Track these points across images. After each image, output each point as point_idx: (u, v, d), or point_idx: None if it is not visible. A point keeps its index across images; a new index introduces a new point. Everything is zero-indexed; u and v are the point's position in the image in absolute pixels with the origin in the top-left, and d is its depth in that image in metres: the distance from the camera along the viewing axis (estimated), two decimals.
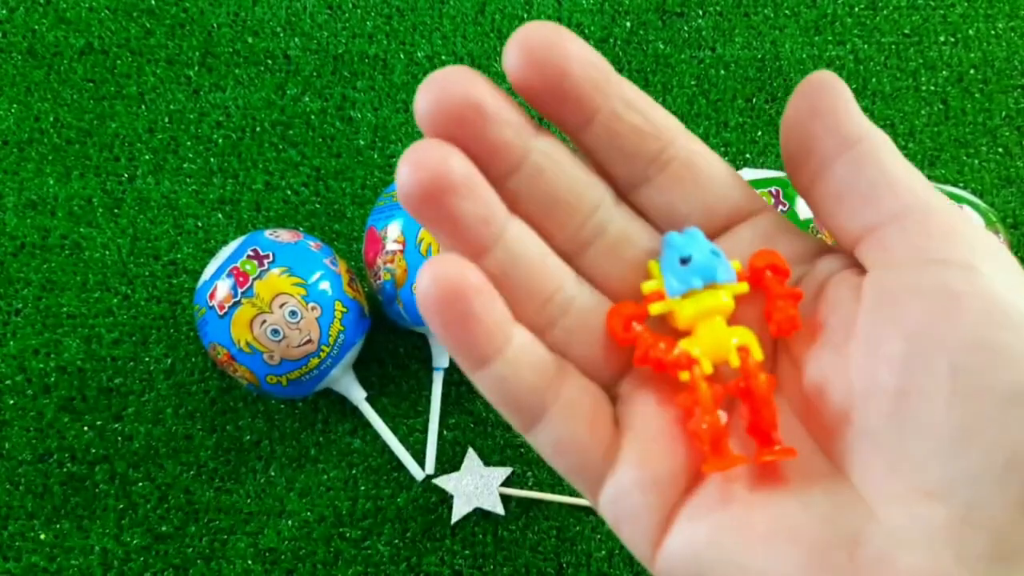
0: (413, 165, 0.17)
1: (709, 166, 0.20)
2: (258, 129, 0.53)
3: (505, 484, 0.46)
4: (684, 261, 0.18)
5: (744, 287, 0.19)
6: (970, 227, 0.17)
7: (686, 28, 0.55)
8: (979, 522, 0.15)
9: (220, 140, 0.52)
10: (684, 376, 0.19)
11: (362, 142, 0.53)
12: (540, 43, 0.17)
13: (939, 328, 0.16)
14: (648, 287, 0.19)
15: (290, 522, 0.46)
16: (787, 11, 0.56)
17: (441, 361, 0.47)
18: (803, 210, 0.44)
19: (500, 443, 0.47)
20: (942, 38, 0.55)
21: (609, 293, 0.20)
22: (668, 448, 0.19)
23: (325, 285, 0.43)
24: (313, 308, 0.42)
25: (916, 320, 0.16)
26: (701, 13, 0.55)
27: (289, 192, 0.52)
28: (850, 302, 0.18)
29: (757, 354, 0.19)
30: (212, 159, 0.52)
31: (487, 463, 0.47)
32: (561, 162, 0.19)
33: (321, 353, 0.43)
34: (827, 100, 0.18)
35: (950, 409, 0.16)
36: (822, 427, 0.18)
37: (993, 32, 0.55)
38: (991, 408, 0.15)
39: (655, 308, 0.19)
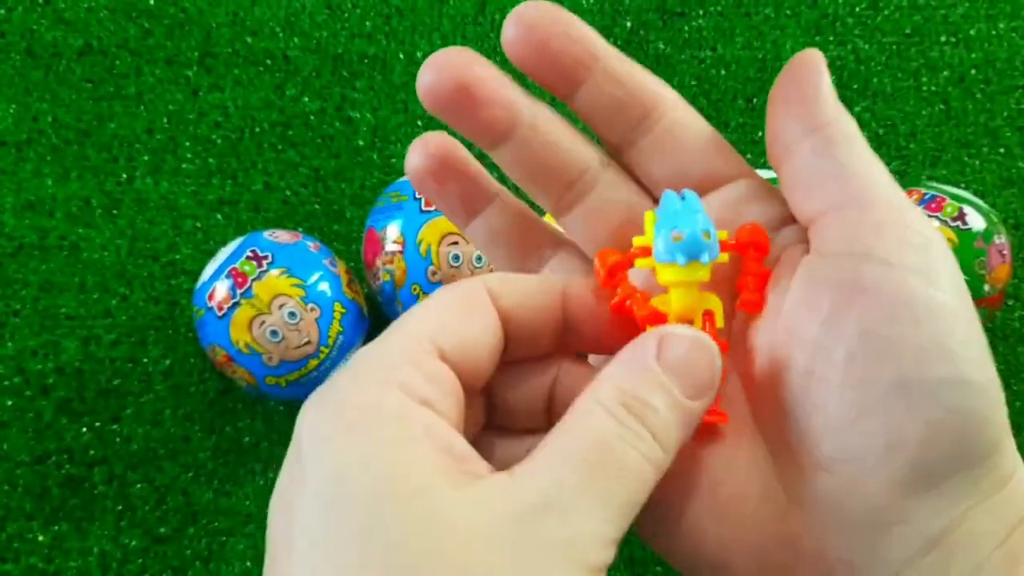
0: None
1: (689, 132, 0.21)
2: (257, 129, 0.52)
3: None
4: (677, 237, 0.20)
5: (724, 258, 0.20)
6: (905, 221, 0.18)
7: (687, 28, 0.55)
8: (859, 495, 0.17)
9: (219, 140, 0.52)
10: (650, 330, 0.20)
11: (361, 142, 0.52)
12: (529, 22, 0.19)
13: (843, 318, 0.18)
14: (639, 241, 0.21)
15: None
16: (788, 11, 0.55)
17: None
18: None
19: None
20: (943, 38, 0.55)
21: (590, 248, 0.22)
22: None
23: (324, 286, 0.43)
24: (312, 309, 0.42)
25: (827, 309, 0.18)
26: (702, 13, 0.55)
27: (288, 193, 0.51)
28: (787, 280, 0.19)
29: (719, 322, 0.20)
30: (211, 160, 0.52)
31: None
32: (548, 132, 0.20)
33: (320, 354, 0.42)
34: (799, 84, 0.19)
35: (842, 393, 0.17)
36: (751, 392, 0.20)
37: (994, 32, 0.55)
38: (876, 396, 0.17)
39: (640, 263, 0.21)
